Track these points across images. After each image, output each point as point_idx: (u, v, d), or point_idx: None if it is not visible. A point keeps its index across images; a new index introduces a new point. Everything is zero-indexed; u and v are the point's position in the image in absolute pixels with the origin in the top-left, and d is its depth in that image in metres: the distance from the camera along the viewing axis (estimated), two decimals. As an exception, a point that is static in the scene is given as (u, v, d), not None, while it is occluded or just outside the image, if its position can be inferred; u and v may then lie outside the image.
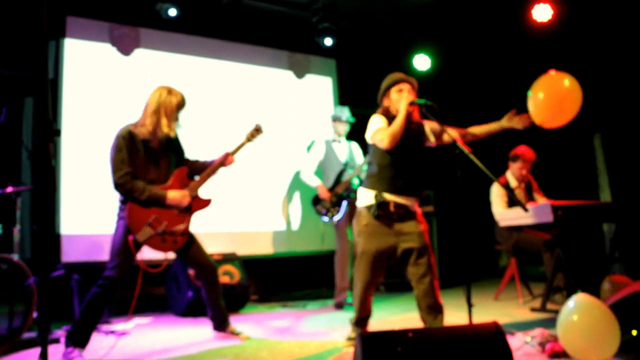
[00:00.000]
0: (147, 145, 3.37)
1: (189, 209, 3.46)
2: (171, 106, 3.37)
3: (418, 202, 3.25)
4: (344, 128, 5.22)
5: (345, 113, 5.22)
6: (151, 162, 3.39)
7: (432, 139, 3.28)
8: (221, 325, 3.70)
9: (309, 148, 5.44)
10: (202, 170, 3.62)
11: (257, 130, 3.81)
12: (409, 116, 3.17)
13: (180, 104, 3.42)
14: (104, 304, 3.20)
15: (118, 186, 3.26)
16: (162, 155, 3.44)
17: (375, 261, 3.15)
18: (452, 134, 3.24)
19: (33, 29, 4.78)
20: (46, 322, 2.25)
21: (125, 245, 3.22)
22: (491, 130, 3.34)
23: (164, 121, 3.34)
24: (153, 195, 3.30)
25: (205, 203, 3.55)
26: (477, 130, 3.35)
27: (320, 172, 5.25)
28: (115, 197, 5.02)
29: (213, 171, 3.59)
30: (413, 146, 3.22)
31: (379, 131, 3.14)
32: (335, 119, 5.23)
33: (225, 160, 3.63)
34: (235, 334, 3.69)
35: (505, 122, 3.31)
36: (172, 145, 3.51)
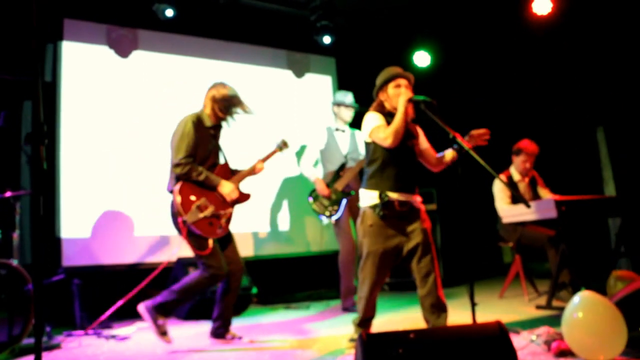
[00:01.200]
0: (210, 133, 3.62)
1: (231, 201, 3.62)
2: (231, 97, 3.66)
3: (421, 199, 3.21)
4: (349, 114, 4.92)
5: (349, 97, 4.92)
6: (211, 150, 3.62)
7: (419, 149, 3.27)
8: (222, 329, 3.65)
9: (304, 147, 5.19)
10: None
11: (285, 144, 4.10)
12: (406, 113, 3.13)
13: (237, 97, 3.69)
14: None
15: (178, 165, 3.42)
16: (217, 145, 3.69)
17: (382, 261, 3.12)
18: (435, 157, 3.29)
19: (30, 32, 4.76)
20: (41, 327, 2.21)
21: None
22: (453, 158, 3.27)
23: (223, 108, 3.64)
24: (210, 179, 3.49)
25: (246, 197, 3.72)
26: (448, 156, 3.29)
27: (320, 163, 4.98)
28: (115, 201, 5.02)
29: (248, 173, 3.81)
30: (410, 143, 3.19)
31: (379, 129, 3.09)
32: (339, 104, 4.92)
33: (254, 168, 3.85)
34: (235, 337, 3.66)
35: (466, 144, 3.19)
36: (218, 139, 3.73)
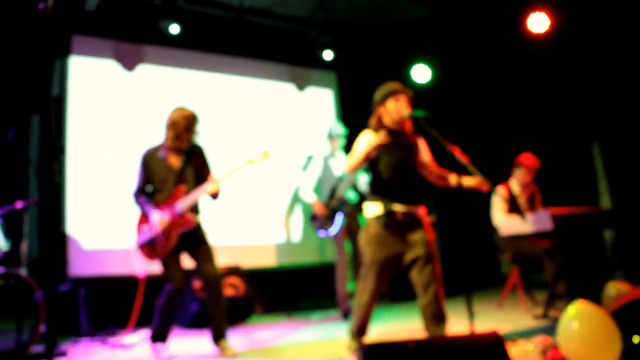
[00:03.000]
0: (164, 161, 3.68)
1: (175, 224, 3.59)
2: (179, 121, 3.63)
3: (425, 210, 3.29)
4: (339, 143, 5.34)
5: (338, 129, 5.34)
6: (166, 177, 3.65)
7: (419, 164, 3.36)
8: (214, 337, 3.68)
9: (305, 167, 5.53)
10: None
11: (265, 155, 3.84)
12: (402, 130, 3.27)
13: (188, 118, 3.66)
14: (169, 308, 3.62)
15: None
16: (178, 170, 3.68)
17: (383, 270, 3.19)
18: (437, 172, 3.37)
19: (39, 48, 4.86)
20: (53, 335, 2.29)
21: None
22: (456, 184, 3.31)
23: (173, 136, 3.65)
24: (144, 211, 3.65)
25: (186, 222, 3.59)
26: (452, 180, 3.32)
27: (318, 188, 5.32)
28: (121, 212, 5.12)
29: (195, 196, 3.62)
30: (409, 158, 3.28)
31: (351, 153, 3.26)
32: (330, 136, 5.35)
33: (208, 188, 3.64)
34: (223, 349, 3.64)
35: (465, 182, 3.24)
36: (192, 161, 3.74)
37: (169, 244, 3.55)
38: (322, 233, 5.14)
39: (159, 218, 3.56)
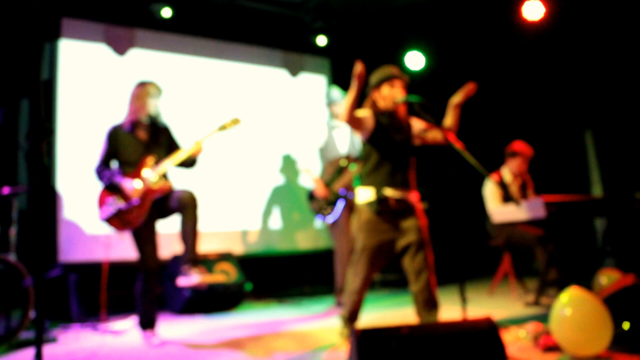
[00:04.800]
0: (131, 135, 3.67)
1: (146, 192, 3.57)
2: (138, 92, 3.72)
3: (418, 196, 3.28)
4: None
5: (336, 93, 4.96)
6: (135, 149, 3.65)
7: (417, 139, 3.33)
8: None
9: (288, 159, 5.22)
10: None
11: (234, 122, 3.87)
12: (396, 113, 3.24)
13: (147, 89, 3.72)
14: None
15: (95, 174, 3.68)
16: (146, 142, 3.68)
17: (376, 257, 3.19)
18: (437, 135, 3.30)
19: (28, 31, 4.79)
20: (42, 321, 2.26)
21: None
22: (455, 117, 3.29)
23: (133, 108, 3.69)
24: (114, 183, 3.59)
25: (163, 187, 3.59)
26: (448, 122, 3.32)
27: (319, 160, 4.99)
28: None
29: (175, 159, 3.63)
30: (403, 141, 3.26)
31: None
32: (331, 102, 4.98)
33: (190, 147, 3.67)
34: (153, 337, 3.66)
35: (455, 99, 3.26)
36: (160, 135, 3.76)
37: (142, 211, 3.51)
38: (319, 218, 4.83)
39: (132, 186, 3.53)
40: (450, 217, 6.46)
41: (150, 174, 3.56)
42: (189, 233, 3.55)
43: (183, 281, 3.51)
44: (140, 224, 3.52)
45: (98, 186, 3.66)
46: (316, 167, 5.12)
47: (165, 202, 3.62)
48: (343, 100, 4.90)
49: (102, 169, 3.64)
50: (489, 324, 2.24)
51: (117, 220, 3.56)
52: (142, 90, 3.71)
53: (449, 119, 3.30)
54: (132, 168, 3.60)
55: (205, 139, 3.70)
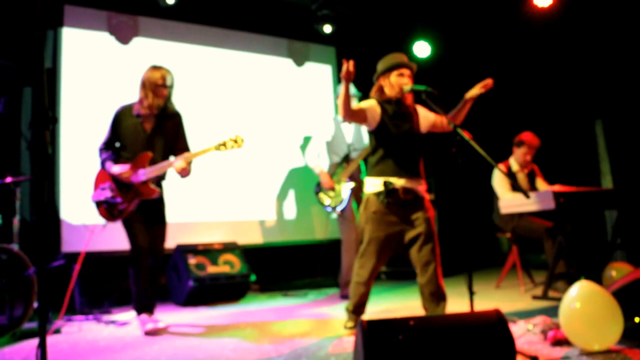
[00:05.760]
0: (137, 122, 3.62)
1: (134, 191, 3.55)
2: (149, 78, 3.60)
3: (426, 187, 3.24)
4: (353, 105, 4.96)
5: (352, 89, 4.90)
6: (140, 139, 3.60)
7: (425, 128, 3.28)
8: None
9: (309, 139, 5.23)
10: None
11: (235, 142, 3.62)
12: (402, 100, 3.19)
13: (163, 78, 3.60)
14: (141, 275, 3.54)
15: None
16: (148, 134, 3.61)
17: (383, 248, 3.15)
18: (445, 121, 3.25)
19: (30, 18, 4.75)
20: (45, 312, 2.23)
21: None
22: (466, 110, 3.28)
23: (149, 95, 3.59)
24: (104, 165, 3.59)
25: (150, 192, 3.56)
26: (457, 114, 3.30)
27: (327, 154, 5.00)
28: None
29: (162, 168, 3.57)
30: (412, 130, 3.21)
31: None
32: (339, 97, 5.01)
33: (176, 165, 3.53)
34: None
35: (470, 93, 3.25)
36: (165, 128, 3.67)
37: (128, 209, 3.51)
38: (328, 208, 4.86)
39: (121, 168, 3.52)
40: (457, 208, 6.42)
41: (142, 174, 3.52)
42: (153, 287, 3.63)
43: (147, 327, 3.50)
44: (125, 218, 3.53)
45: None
46: (323, 159, 5.07)
47: (154, 210, 3.63)
48: (355, 95, 4.91)
49: (104, 150, 3.63)
50: (497, 317, 2.20)
51: (105, 208, 3.56)
52: (149, 77, 3.62)
53: (459, 112, 3.26)
54: (129, 155, 3.58)
55: (196, 156, 3.57)
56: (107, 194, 3.52)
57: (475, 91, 3.23)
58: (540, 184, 4.96)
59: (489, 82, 3.21)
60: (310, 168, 5.10)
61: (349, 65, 2.92)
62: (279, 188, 6.13)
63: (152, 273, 3.66)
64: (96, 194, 3.58)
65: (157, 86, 3.59)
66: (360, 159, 4.82)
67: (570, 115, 6.27)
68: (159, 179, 3.68)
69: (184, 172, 3.54)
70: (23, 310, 3.52)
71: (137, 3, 5.49)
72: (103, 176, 3.62)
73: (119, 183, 3.58)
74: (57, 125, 4.89)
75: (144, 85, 3.60)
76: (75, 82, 5.07)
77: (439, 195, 6.31)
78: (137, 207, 3.59)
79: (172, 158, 3.69)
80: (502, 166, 4.96)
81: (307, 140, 5.46)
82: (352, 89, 4.96)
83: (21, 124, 4.81)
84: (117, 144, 3.64)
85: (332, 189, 4.83)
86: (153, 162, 3.58)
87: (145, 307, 3.58)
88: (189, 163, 3.56)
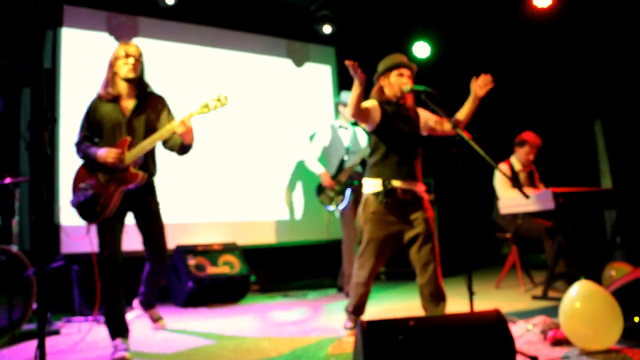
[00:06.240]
0: (115, 105, 3.26)
1: (116, 182, 3.15)
2: (116, 54, 3.30)
3: (424, 188, 3.24)
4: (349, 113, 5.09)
5: (348, 97, 4.97)
6: (117, 122, 3.23)
7: (424, 131, 3.28)
8: (144, 303, 3.78)
9: (311, 138, 5.34)
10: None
11: (218, 100, 3.23)
12: (402, 102, 3.20)
13: (126, 50, 3.28)
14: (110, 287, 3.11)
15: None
16: (130, 118, 3.25)
17: (382, 248, 3.15)
18: (447, 126, 3.25)
19: (30, 19, 4.75)
20: (44, 313, 2.23)
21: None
22: (471, 110, 3.26)
23: (118, 71, 3.27)
24: (88, 153, 3.21)
25: (133, 177, 3.15)
26: (461, 116, 3.29)
27: (324, 158, 5.16)
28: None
29: (144, 147, 3.18)
30: (411, 131, 3.21)
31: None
32: (342, 103, 5.10)
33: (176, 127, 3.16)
34: (155, 319, 3.80)
35: (473, 94, 3.22)
36: (146, 109, 3.31)
37: (111, 203, 3.10)
38: (330, 208, 4.99)
39: (107, 151, 3.11)
40: (457, 208, 6.42)
41: (123, 160, 3.13)
42: (156, 286, 3.60)
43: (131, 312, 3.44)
44: (106, 218, 3.13)
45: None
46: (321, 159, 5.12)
47: (143, 204, 3.31)
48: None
49: (81, 144, 3.26)
50: (497, 317, 2.20)
51: (85, 209, 3.18)
52: (113, 54, 3.30)
53: (464, 112, 3.25)
54: (110, 145, 3.19)
55: (182, 122, 3.15)
56: (88, 193, 3.15)
57: (479, 91, 3.20)
58: (538, 185, 4.98)
59: (488, 78, 3.18)
60: (309, 169, 5.14)
61: (359, 70, 2.89)
62: (278, 189, 6.12)
63: (156, 276, 3.59)
64: (76, 197, 3.21)
65: (120, 59, 3.27)
66: (359, 161, 4.94)
67: (569, 115, 6.27)
68: (146, 169, 3.26)
69: (187, 134, 3.18)
70: (22, 311, 3.52)
71: (136, 3, 5.49)
72: (82, 174, 3.24)
73: (100, 177, 3.17)
74: (56, 125, 4.88)
75: (110, 64, 3.29)
76: (75, 82, 5.06)
77: (438, 196, 6.31)
78: (122, 206, 3.19)
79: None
80: (504, 165, 4.97)
81: (306, 140, 5.48)
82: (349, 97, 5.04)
83: (20, 125, 4.80)
84: (97, 140, 3.27)
85: (333, 188, 4.94)
86: (134, 146, 3.19)
87: (118, 331, 3.10)
88: (187, 119, 3.15)
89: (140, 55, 3.35)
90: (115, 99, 3.26)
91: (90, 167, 3.22)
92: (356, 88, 2.97)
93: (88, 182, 3.18)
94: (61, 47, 5.03)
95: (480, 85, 3.19)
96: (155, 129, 3.28)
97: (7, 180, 3.73)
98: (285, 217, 6.13)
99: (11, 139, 4.72)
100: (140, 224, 3.40)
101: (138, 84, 3.34)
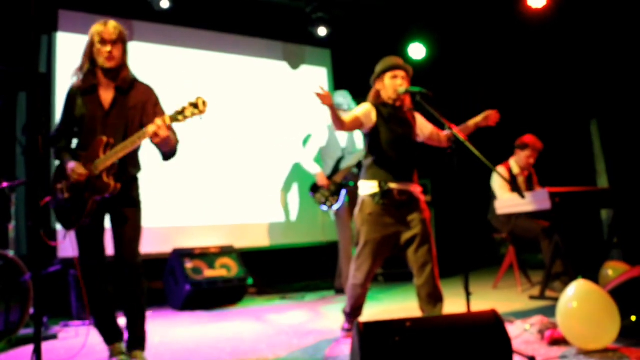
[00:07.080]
0: (94, 95, 2.83)
1: (89, 190, 2.75)
2: (91, 41, 2.82)
3: (421, 189, 3.24)
4: (345, 116, 5.07)
5: (347, 100, 5.11)
6: (89, 121, 2.83)
7: (419, 137, 3.30)
8: (130, 345, 2.91)
9: (305, 141, 5.38)
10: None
11: (195, 106, 2.61)
12: (400, 105, 3.21)
13: (102, 36, 2.78)
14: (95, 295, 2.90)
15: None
16: (108, 111, 2.83)
17: (379, 250, 3.15)
18: (443, 134, 3.30)
19: (25, 23, 4.74)
20: (41, 318, 2.22)
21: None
22: (469, 130, 3.31)
23: (96, 58, 2.82)
24: (60, 158, 2.89)
25: (103, 186, 2.72)
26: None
27: (319, 159, 5.19)
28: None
29: (117, 153, 2.71)
30: (405, 134, 3.21)
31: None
32: (338, 106, 5.02)
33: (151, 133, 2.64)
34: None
35: (480, 121, 3.32)
36: (127, 100, 2.86)
37: (85, 211, 2.73)
38: (325, 208, 5.03)
39: (75, 166, 2.73)
40: (454, 209, 6.42)
41: (97, 164, 2.72)
42: (138, 313, 2.85)
43: None
44: (83, 224, 2.80)
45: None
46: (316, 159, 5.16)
47: (118, 209, 2.84)
48: (347, 104, 5.08)
49: (56, 140, 2.91)
50: (494, 317, 2.20)
51: (62, 214, 2.85)
52: (88, 37, 2.83)
53: (462, 127, 3.30)
54: (85, 142, 2.83)
55: (154, 133, 2.62)
56: (60, 195, 2.82)
57: (479, 121, 3.30)
58: (537, 188, 4.98)
59: (495, 115, 3.29)
60: (305, 170, 5.17)
61: (323, 94, 2.90)
62: (275, 191, 6.12)
63: (128, 283, 2.87)
64: (55, 198, 2.88)
65: (94, 45, 2.82)
66: (355, 162, 4.97)
67: (565, 115, 6.28)
68: (124, 174, 2.84)
69: (160, 138, 2.62)
70: (19, 316, 3.51)
71: (131, 7, 5.48)
72: (59, 175, 2.87)
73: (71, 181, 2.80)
74: (51, 129, 4.87)
75: (85, 51, 2.87)
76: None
77: (435, 197, 6.32)
78: (99, 209, 2.82)
79: None
80: (502, 168, 4.97)
81: (302, 142, 5.49)
82: (347, 101, 5.13)
83: (16, 129, 4.79)
84: (76, 129, 2.90)
85: (328, 188, 4.98)
86: (110, 147, 2.75)
87: (111, 337, 2.92)
88: (162, 128, 2.61)
89: (119, 38, 2.84)
90: (94, 88, 2.84)
91: (65, 170, 2.85)
92: (329, 111, 2.99)
93: (65, 184, 2.81)
94: (56, 52, 5.02)
95: (490, 119, 3.29)
96: (141, 123, 2.84)
97: (4, 185, 3.72)
98: (282, 219, 6.13)
99: (7, 144, 4.71)
100: (113, 228, 2.90)
101: (118, 73, 2.87)
